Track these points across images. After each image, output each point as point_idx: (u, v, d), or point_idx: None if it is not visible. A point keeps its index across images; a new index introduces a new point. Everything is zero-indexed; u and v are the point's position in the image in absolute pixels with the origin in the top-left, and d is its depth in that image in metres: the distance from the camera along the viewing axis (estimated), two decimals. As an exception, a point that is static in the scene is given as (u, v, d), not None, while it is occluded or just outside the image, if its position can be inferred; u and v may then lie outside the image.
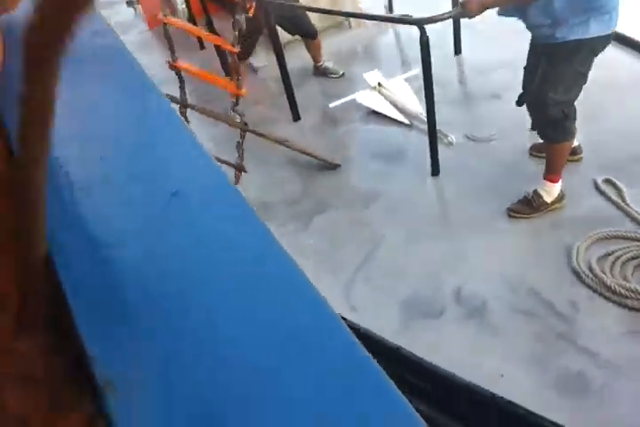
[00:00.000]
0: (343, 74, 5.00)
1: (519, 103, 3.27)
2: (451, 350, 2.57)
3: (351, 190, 3.71)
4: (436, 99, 4.11)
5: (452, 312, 2.78)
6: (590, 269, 2.77)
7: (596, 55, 2.76)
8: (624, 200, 3.11)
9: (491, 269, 2.92)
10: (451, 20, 4.69)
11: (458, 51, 4.92)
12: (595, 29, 2.66)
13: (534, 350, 2.54)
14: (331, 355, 0.42)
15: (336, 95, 4.68)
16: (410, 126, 4.16)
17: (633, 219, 2.99)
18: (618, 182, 3.22)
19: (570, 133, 2.99)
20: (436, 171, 3.62)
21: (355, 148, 4.17)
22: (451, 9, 3.56)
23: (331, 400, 0.39)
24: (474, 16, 2.88)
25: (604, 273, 2.73)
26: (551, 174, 3.10)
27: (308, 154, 3.85)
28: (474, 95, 4.42)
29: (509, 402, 2.22)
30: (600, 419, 2.24)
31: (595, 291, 2.70)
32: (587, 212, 3.13)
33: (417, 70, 4.64)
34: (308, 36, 4.78)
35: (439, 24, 4.92)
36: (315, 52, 4.96)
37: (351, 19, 5.57)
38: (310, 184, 3.84)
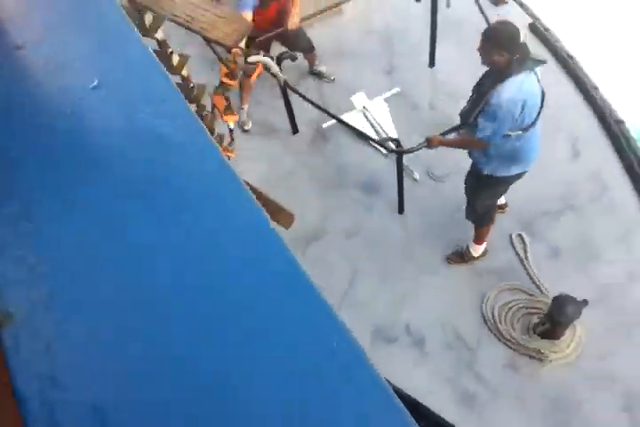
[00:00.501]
0: (334, 79, 5.88)
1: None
2: (398, 368, 4.17)
3: (334, 221, 4.95)
4: (407, 124, 5.25)
5: (403, 341, 4.33)
6: (492, 315, 4.29)
7: (510, 184, 3.99)
8: (526, 255, 4.52)
9: (431, 308, 4.41)
10: (427, 30, 5.57)
11: (432, 63, 5.79)
12: (514, 169, 3.86)
13: (450, 373, 4.16)
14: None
15: (329, 105, 5.57)
16: (385, 156, 5.28)
17: (528, 274, 4.43)
18: (525, 237, 4.59)
19: (490, 220, 4.29)
20: (401, 209, 4.90)
21: (340, 172, 5.28)
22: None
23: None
24: (434, 148, 4.03)
25: (500, 320, 4.25)
26: (478, 240, 4.45)
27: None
28: (442, 123, 5.36)
29: (422, 405, 4.03)
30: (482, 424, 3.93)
31: (492, 332, 4.25)
32: (502, 264, 4.55)
33: (396, 89, 5.65)
34: (308, 51, 5.58)
35: (417, 34, 5.84)
36: (311, 59, 5.78)
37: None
38: (306, 209, 5.07)
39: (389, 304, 4.49)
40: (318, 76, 5.91)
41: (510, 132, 3.51)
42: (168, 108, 1.31)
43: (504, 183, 3.99)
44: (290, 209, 2.96)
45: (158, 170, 1.20)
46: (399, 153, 4.28)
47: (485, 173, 3.89)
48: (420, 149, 4.17)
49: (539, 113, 3.59)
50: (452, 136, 4.30)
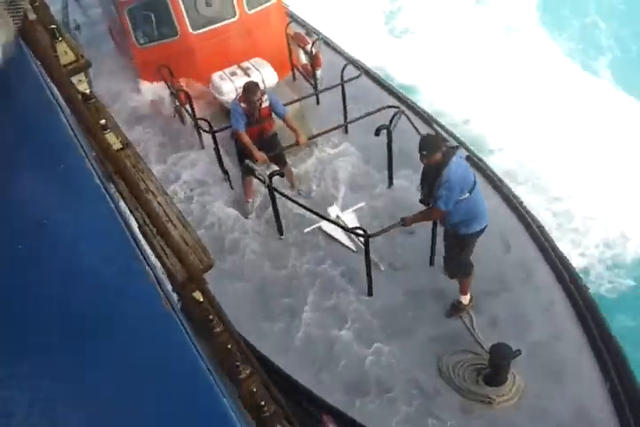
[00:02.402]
0: (312, 195, 7.25)
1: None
2: (371, 414, 4.97)
3: (315, 300, 5.99)
4: (371, 230, 6.43)
5: (373, 392, 5.17)
6: (447, 370, 5.21)
7: (475, 240, 5.20)
8: (472, 325, 5.56)
9: (400, 367, 5.31)
10: (383, 158, 7.06)
11: (390, 183, 7.26)
12: (475, 226, 5.09)
13: (414, 416, 4.97)
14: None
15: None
16: (355, 252, 6.47)
17: (475, 339, 5.44)
18: (471, 312, 5.66)
19: (470, 272, 5.44)
20: (370, 292, 5.98)
21: (320, 265, 6.43)
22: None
23: None
24: (407, 226, 5.29)
25: (454, 374, 5.17)
26: (464, 292, 5.58)
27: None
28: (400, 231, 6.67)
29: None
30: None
31: (449, 385, 5.14)
32: (453, 331, 5.56)
33: (362, 204, 7.00)
34: (284, 165, 6.98)
35: (375, 160, 7.33)
36: (290, 178, 7.19)
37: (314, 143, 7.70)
38: (293, 292, 6.12)
39: (361, 363, 5.38)
40: (298, 193, 7.29)
41: (461, 197, 4.84)
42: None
43: (473, 238, 5.25)
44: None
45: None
46: (367, 236, 5.45)
47: (458, 231, 5.16)
48: (393, 227, 5.37)
49: (474, 180, 5.00)
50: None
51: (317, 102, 8.69)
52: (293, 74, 9.46)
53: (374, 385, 5.23)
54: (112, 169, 2.23)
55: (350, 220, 6.81)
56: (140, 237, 2.11)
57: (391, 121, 6.61)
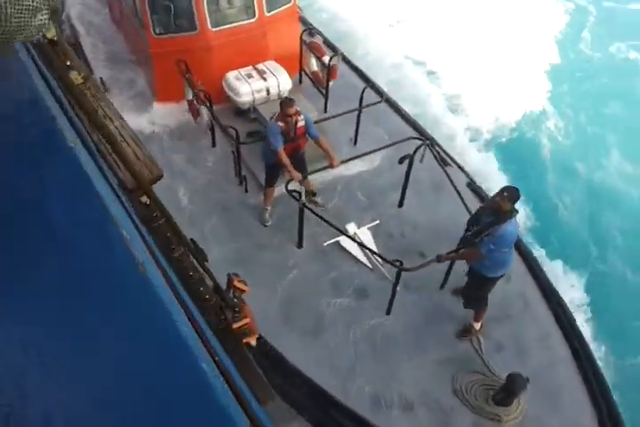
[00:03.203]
0: (328, 207, 7.72)
1: (455, 293, 6.42)
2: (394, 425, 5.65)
3: (335, 318, 6.55)
4: (385, 248, 7.03)
5: (396, 406, 5.84)
6: (460, 389, 5.95)
7: (495, 283, 5.91)
8: (481, 349, 6.31)
9: (415, 383, 5.99)
10: (392, 181, 7.64)
11: (401, 204, 7.85)
12: (500, 272, 5.79)
13: (432, 430, 5.69)
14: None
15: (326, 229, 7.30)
16: (372, 269, 7.06)
17: (483, 362, 6.20)
18: (480, 337, 6.41)
19: (485, 306, 6.15)
20: (389, 311, 6.59)
21: (337, 281, 6.97)
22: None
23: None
24: (441, 262, 5.91)
25: (467, 392, 5.91)
26: (477, 319, 6.29)
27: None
28: (410, 248, 7.29)
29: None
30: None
31: (462, 402, 5.88)
32: (464, 354, 6.29)
33: (376, 222, 7.56)
34: (305, 178, 7.39)
35: (385, 182, 7.95)
36: (308, 188, 7.62)
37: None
38: (310, 309, 6.63)
39: (383, 380, 6.02)
40: (315, 204, 7.73)
41: (502, 250, 5.50)
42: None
43: (495, 280, 5.97)
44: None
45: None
46: (401, 269, 6.02)
47: (484, 274, 5.83)
48: (428, 263, 5.98)
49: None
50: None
51: (325, 110, 9.08)
52: (300, 77, 9.77)
53: (396, 398, 5.89)
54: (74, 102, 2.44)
55: (366, 237, 7.36)
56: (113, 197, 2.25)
57: (415, 151, 7.17)
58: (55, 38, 2.93)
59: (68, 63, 2.97)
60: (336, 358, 6.18)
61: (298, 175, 6.81)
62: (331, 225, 6.53)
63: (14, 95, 2.25)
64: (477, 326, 6.39)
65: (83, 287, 1.74)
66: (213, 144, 8.66)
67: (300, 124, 6.92)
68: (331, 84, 9.14)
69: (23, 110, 2.17)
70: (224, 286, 3.15)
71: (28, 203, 1.88)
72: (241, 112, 8.99)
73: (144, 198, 2.46)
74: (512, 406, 5.77)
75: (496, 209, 5.54)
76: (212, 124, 8.38)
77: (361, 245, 6.67)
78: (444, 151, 8.43)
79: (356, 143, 8.62)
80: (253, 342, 3.23)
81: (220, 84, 8.93)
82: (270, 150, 6.87)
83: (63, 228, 1.85)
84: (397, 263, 6.03)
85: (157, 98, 9.34)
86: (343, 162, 7.17)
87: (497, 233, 5.47)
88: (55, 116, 2.12)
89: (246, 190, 7.95)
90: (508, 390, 5.60)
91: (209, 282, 2.95)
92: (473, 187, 8.03)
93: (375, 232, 7.48)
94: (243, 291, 3.34)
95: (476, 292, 6.14)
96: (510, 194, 5.46)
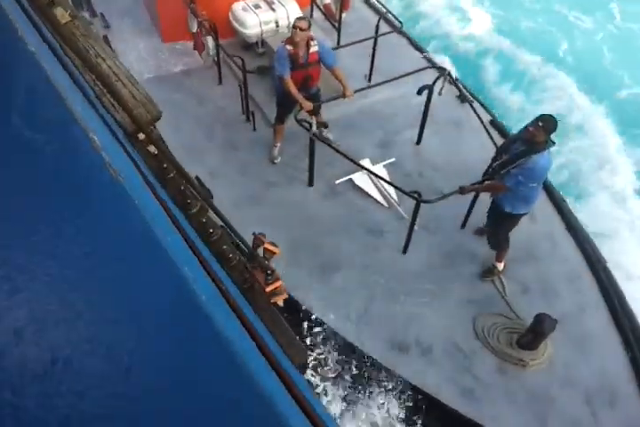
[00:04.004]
0: (339, 144, 7.18)
1: (478, 232, 5.92)
2: (411, 370, 5.22)
3: (349, 257, 6.07)
4: (403, 187, 6.52)
5: (413, 350, 5.41)
6: (482, 332, 5.50)
7: (518, 221, 5.41)
8: (504, 290, 5.84)
9: (436, 325, 5.55)
10: (409, 116, 7.09)
11: (419, 141, 7.29)
12: (524, 209, 5.28)
13: (453, 375, 5.25)
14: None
15: (338, 166, 6.79)
16: (388, 208, 6.55)
17: (507, 304, 5.73)
18: (503, 278, 5.93)
19: (507, 245, 5.70)
20: (405, 250, 6.11)
21: (351, 219, 6.48)
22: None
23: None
24: (463, 194, 5.39)
25: (489, 336, 5.46)
26: (500, 259, 5.83)
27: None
28: (428, 188, 6.75)
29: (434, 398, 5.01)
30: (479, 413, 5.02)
31: (483, 345, 5.44)
32: (486, 295, 5.82)
33: (392, 159, 7.03)
34: (318, 114, 6.87)
35: (402, 118, 7.42)
36: (321, 125, 7.08)
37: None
38: (325, 246, 6.17)
39: (400, 322, 5.58)
40: (326, 140, 7.20)
41: (530, 185, 4.96)
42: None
43: (516, 218, 5.45)
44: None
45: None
46: (419, 201, 5.50)
47: (506, 210, 5.32)
48: (450, 195, 5.46)
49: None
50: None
51: (338, 44, 8.46)
52: (311, 10, 9.12)
53: (414, 343, 5.45)
54: (62, 40, 2.27)
55: (382, 175, 6.83)
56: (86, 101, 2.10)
57: (434, 82, 6.59)
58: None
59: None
60: (349, 300, 5.73)
61: (309, 104, 6.26)
62: (345, 157, 5.98)
63: None
64: (500, 266, 5.90)
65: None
66: (220, 81, 8.10)
67: (313, 49, 6.32)
68: (344, 15, 8.52)
69: None
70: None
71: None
72: (248, 46, 8.41)
73: (152, 148, 2.31)
74: (538, 350, 5.31)
75: (529, 139, 4.99)
76: (217, 57, 7.82)
77: (377, 177, 6.13)
78: (465, 86, 7.83)
79: (370, 79, 8.02)
80: (281, 302, 3.20)
81: (227, 15, 8.33)
82: (278, 79, 6.31)
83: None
84: (415, 195, 5.53)
85: (163, 38, 8.86)
86: (357, 92, 6.61)
87: (527, 165, 4.92)
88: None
89: (254, 128, 7.42)
90: (535, 331, 5.13)
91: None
92: (496, 124, 7.45)
93: (391, 171, 6.95)
94: (273, 253, 3.34)
95: (497, 229, 5.63)
96: (546, 124, 4.87)
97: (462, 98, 7.72)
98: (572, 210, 6.64)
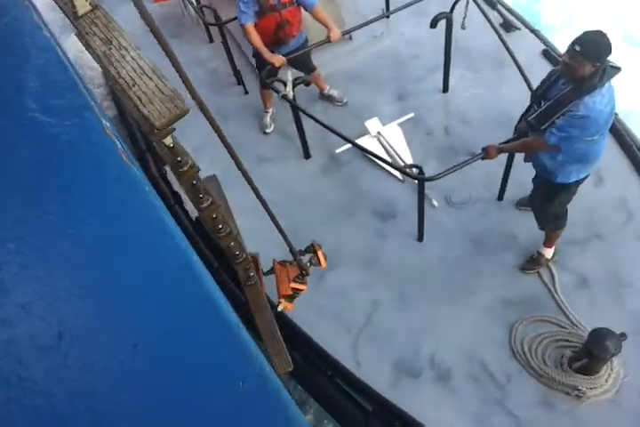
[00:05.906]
0: (346, 102, 5.75)
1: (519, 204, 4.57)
2: (422, 403, 3.89)
3: (350, 249, 4.73)
4: (423, 149, 5.07)
5: (427, 374, 4.07)
6: (522, 348, 4.04)
7: (576, 190, 3.88)
8: (555, 286, 4.31)
9: (455, 339, 4.16)
10: (436, 56, 5.48)
11: (445, 89, 5.69)
12: (583, 173, 3.71)
13: (477, 409, 3.89)
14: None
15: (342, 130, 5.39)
16: (402, 181, 5.10)
17: (558, 305, 4.21)
18: (552, 267, 4.39)
19: (564, 224, 4.16)
20: (421, 237, 4.69)
21: (355, 198, 5.08)
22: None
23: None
24: (490, 159, 3.85)
25: (531, 353, 4.00)
26: (549, 244, 4.32)
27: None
28: (457, 148, 5.21)
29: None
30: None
31: (523, 367, 4.00)
32: (527, 294, 4.32)
33: (410, 115, 5.51)
34: (311, 71, 5.46)
35: (427, 60, 5.79)
36: (318, 82, 5.67)
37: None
38: (321, 236, 4.85)
39: (410, 336, 4.23)
40: (329, 100, 5.80)
41: (588, 138, 3.37)
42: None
43: (575, 187, 3.88)
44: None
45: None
46: (423, 180, 4.07)
47: (558, 181, 3.76)
48: (470, 162, 3.97)
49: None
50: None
51: None
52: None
53: (428, 364, 4.11)
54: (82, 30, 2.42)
55: (394, 137, 5.36)
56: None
57: (452, 8, 4.94)
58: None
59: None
60: (347, 307, 4.44)
61: (279, 59, 4.86)
62: (336, 133, 4.56)
63: None
64: (549, 253, 4.35)
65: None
66: (210, 39, 6.78)
67: None
68: None
69: None
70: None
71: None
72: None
73: (168, 140, 2.36)
74: (600, 374, 3.81)
75: (571, 75, 3.36)
76: (201, 10, 6.50)
77: (365, 151, 4.68)
78: (510, 9, 6.06)
79: (388, 16, 6.37)
80: (287, 309, 3.37)
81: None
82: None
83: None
84: (414, 170, 4.08)
85: None
86: (345, 33, 5.11)
87: (578, 112, 3.30)
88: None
89: (245, 91, 6.12)
90: (591, 354, 3.63)
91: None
92: (550, 55, 5.67)
93: (408, 130, 5.43)
94: (319, 264, 3.32)
95: (545, 206, 4.06)
96: (587, 47, 3.19)
97: (506, 26, 5.97)
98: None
